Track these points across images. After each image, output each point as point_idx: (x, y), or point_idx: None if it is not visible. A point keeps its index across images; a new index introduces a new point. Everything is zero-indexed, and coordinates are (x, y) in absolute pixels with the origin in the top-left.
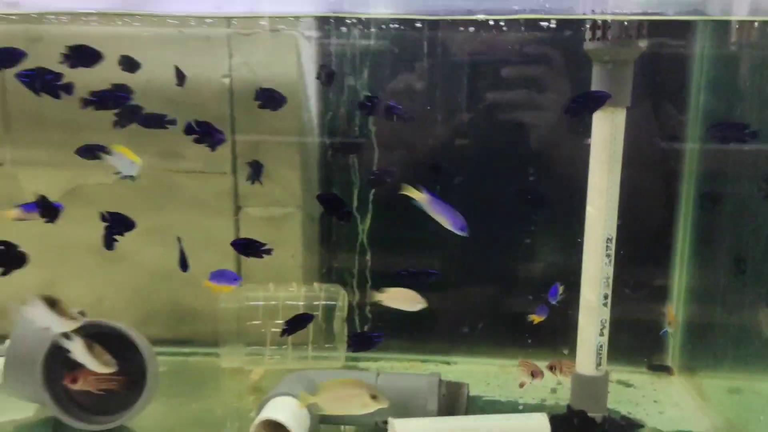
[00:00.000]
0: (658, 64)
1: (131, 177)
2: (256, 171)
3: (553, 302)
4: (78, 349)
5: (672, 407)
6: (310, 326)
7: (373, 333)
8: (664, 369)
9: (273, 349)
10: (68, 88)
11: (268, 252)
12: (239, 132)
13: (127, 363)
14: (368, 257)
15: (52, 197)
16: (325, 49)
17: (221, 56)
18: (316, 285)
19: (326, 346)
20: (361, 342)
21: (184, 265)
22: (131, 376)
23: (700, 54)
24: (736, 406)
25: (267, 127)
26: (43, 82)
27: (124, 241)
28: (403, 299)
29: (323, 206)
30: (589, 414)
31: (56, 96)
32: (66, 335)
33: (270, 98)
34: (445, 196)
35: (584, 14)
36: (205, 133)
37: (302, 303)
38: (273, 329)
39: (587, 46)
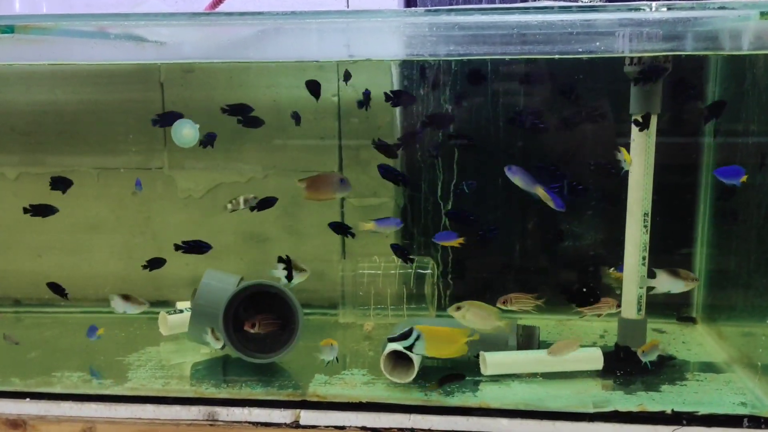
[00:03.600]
0: (682, 75)
1: None
2: None
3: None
4: None
5: (696, 346)
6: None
7: None
8: (689, 320)
9: (377, 308)
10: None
11: (353, 234)
12: (345, 138)
13: (282, 314)
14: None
15: (199, 194)
16: (409, 72)
17: (331, 79)
18: (411, 257)
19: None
20: None
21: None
22: (285, 324)
23: (714, 65)
24: (747, 345)
25: (366, 135)
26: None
27: (266, 227)
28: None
29: (333, 229)
30: (632, 348)
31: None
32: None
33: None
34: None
35: (622, 52)
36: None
37: (399, 271)
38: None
39: (626, 69)
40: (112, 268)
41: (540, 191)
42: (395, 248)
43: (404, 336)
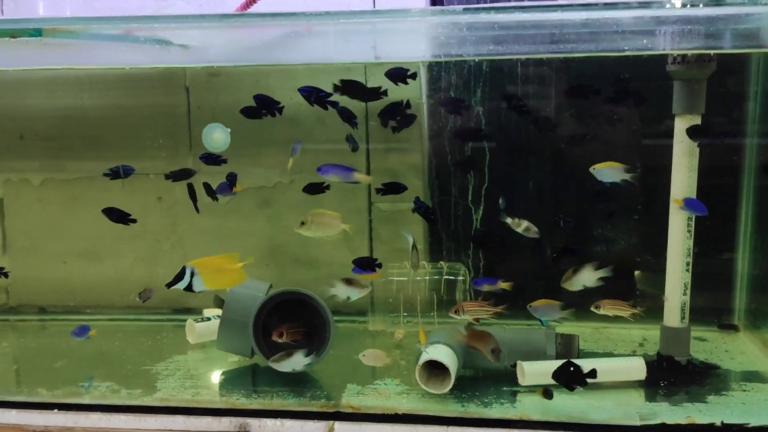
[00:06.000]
0: (726, 75)
1: None
2: None
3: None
4: None
5: (740, 354)
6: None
7: None
8: (731, 327)
9: (408, 315)
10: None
11: (379, 265)
12: (373, 142)
13: (312, 322)
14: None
15: (225, 199)
16: (437, 74)
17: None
18: (442, 263)
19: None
20: None
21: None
22: (314, 332)
23: (756, 66)
24: None
25: (395, 138)
26: (317, 97)
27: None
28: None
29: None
30: (675, 358)
31: (324, 108)
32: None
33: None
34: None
35: (663, 50)
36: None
37: (428, 278)
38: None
39: (669, 68)
40: (137, 274)
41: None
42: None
43: (178, 278)
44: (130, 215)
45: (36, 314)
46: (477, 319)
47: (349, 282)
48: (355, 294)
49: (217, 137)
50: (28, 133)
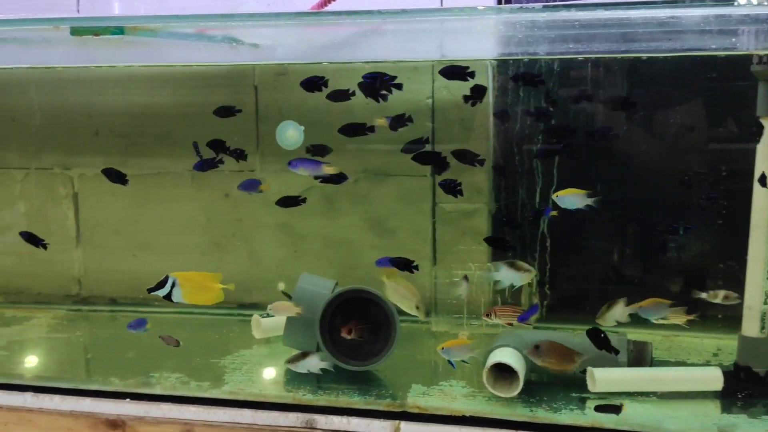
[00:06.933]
0: None
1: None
2: None
3: None
4: None
5: None
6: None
7: None
8: None
9: (471, 317)
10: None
11: (416, 267)
12: (438, 142)
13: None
14: (548, 243)
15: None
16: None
17: (426, 82)
18: None
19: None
20: None
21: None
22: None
23: None
24: None
25: (460, 137)
26: (382, 82)
27: (355, 231)
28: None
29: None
30: (754, 369)
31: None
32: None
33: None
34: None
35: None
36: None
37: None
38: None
39: (754, 68)
40: (203, 269)
41: None
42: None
43: (161, 284)
44: (125, 175)
45: (107, 305)
46: (510, 323)
47: (512, 266)
48: (518, 280)
49: (290, 135)
50: (103, 130)
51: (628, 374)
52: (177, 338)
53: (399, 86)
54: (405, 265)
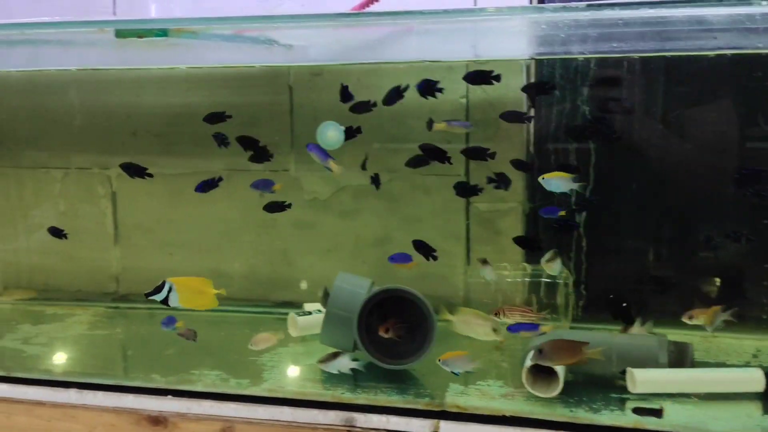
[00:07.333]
0: None
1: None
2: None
3: None
4: None
5: None
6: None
7: None
8: None
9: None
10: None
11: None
12: (472, 142)
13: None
14: (584, 243)
15: (324, 196)
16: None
17: (459, 81)
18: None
19: (552, 316)
20: None
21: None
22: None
23: None
24: None
25: (496, 137)
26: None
27: (389, 230)
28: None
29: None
30: None
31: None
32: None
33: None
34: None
35: None
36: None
37: (528, 279)
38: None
39: None
40: (237, 268)
41: None
42: (417, 244)
43: (158, 289)
44: (146, 169)
45: (144, 303)
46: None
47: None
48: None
49: (331, 135)
50: (141, 130)
51: (669, 375)
52: (195, 331)
53: (441, 90)
54: (425, 251)
